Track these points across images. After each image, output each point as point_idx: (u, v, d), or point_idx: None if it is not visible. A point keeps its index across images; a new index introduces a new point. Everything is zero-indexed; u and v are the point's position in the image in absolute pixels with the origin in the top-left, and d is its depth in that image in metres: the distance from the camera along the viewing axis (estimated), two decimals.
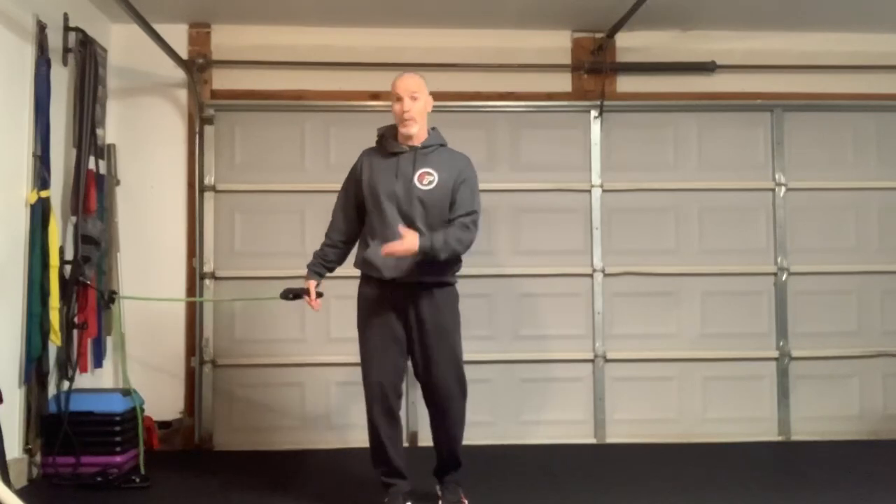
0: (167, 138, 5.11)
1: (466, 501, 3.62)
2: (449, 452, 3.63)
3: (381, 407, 3.45)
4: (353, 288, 3.67)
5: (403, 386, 3.60)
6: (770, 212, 5.34)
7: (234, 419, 5.07)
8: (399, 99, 3.44)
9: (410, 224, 3.38)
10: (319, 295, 3.64)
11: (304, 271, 5.01)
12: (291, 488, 4.00)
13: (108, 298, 4.56)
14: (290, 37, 5.20)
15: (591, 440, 5.15)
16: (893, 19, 5.19)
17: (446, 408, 3.53)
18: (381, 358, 3.45)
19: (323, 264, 3.66)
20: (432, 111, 3.61)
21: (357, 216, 3.60)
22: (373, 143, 4.17)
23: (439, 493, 3.72)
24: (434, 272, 3.41)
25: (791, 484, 4.07)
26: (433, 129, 3.58)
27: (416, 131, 3.46)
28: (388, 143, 3.52)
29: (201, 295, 5.06)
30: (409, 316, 3.44)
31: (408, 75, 3.51)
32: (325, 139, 5.23)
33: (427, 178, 3.43)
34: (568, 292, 5.22)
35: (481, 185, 3.62)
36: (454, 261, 3.49)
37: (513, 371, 5.15)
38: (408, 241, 3.27)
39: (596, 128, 5.30)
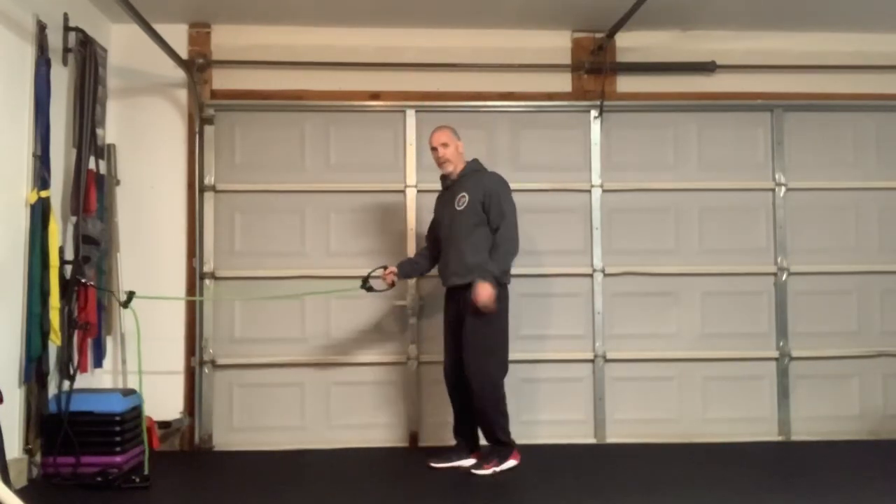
0: (167, 138, 5.11)
1: (490, 469, 4.19)
2: (483, 429, 4.37)
3: (447, 383, 4.42)
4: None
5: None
6: (770, 212, 5.34)
7: (234, 419, 5.07)
8: (434, 149, 4.38)
9: (455, 240, 4.27)
10: (392, 283, 4.52)
11: (305, 271, 5.12)
12: (291, 488, 4.01)
13: (127, 299, 4.46)
14: (290, 37, 5.20)
15: (591, 440, 5.15)
16: (893, 19, 5.19)
17: (475, 393, 4.23)
18: (447, 347, 4.41)
19: (409, 264, 4.60)
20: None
21: (438, 243, 4.49)
22: (373, 143, 5.28)
23: None
24: (460, 275, 4.24)
25: (791, 484, 4.07)
26: (472, 160, 4.44)
27: (452, 169, 4.37)
28: (444, 180, 4.48)
29: (201, 295, 5.06)
30: (460, 312, 4.27)
31: (437, 131, 4.40)
32: (325, 139, 5.23)
33: (462, 200, 4.29)
34: (568, 292, 5.22)
35: None
36: (481, 263, 4.20)
37: (513, 371, 5.09)
38: (482, 292, 4.08)
39: (596, 128, 5.30)
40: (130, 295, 4.33)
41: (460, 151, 4.40)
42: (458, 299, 4.29)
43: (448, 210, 4.34)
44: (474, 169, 4.40)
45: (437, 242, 4.49)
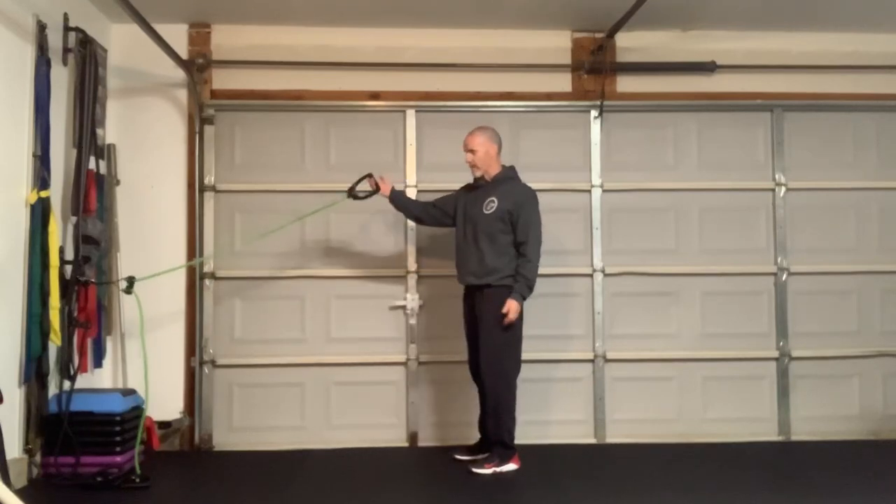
0: (167, 138, 5.11)
1: (491, 469, 4.19)
2: (491, 432, 4.29)
3: (473, 378, 4.47)
4: (355, 289, 4.96)
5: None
6: (770, 212, 5.34)
7: (234, 419, 5.07)
8: (465, 152, 4.42)
9: (477, 241, 4.31)
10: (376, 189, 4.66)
11: (303, 271, 5.11)
12: (291, 488, 4.01)
13: (129, 284, 4.41)
14: (290, 37, 5.20)
15: (591, 440, 5.15)
16: (893, 19, 5.19)
17: (488, 391, 4.28)
18: (468, 342, 4.48)
19: (406, 197, 4.77)
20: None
21: (438, 213, 4.59)
22: (373, 143, 5.26)
23: None
24: (481, 275, 4.29)
25: (791, 484, 4.07)
26: (508, 167, 4.47)
27: (481, 174, 4.41)
28: (475, 179, 4.47)
29: (202, 296, 5.06)
30: (475, 310, 4.36)
31: (469, 134, 4.43)
32: (325, 139, 5.23)
33: (491, 205, 4.32)
34: (568, 292, 5.22)
35: None
36: (500, 267, 4.27)
37: None
38: (512, 311, 4.16)
39: (596, 128, 5.30)
40: (131, 280, 4.31)
41: (491, 155, 4.39)
42: (473, 298, 4.38)
43: (475, 210, 4.37)
44: (509, 177, 4.43)
45: (436, 211, 4.58)
